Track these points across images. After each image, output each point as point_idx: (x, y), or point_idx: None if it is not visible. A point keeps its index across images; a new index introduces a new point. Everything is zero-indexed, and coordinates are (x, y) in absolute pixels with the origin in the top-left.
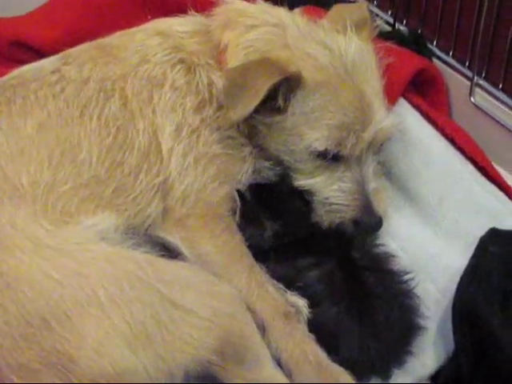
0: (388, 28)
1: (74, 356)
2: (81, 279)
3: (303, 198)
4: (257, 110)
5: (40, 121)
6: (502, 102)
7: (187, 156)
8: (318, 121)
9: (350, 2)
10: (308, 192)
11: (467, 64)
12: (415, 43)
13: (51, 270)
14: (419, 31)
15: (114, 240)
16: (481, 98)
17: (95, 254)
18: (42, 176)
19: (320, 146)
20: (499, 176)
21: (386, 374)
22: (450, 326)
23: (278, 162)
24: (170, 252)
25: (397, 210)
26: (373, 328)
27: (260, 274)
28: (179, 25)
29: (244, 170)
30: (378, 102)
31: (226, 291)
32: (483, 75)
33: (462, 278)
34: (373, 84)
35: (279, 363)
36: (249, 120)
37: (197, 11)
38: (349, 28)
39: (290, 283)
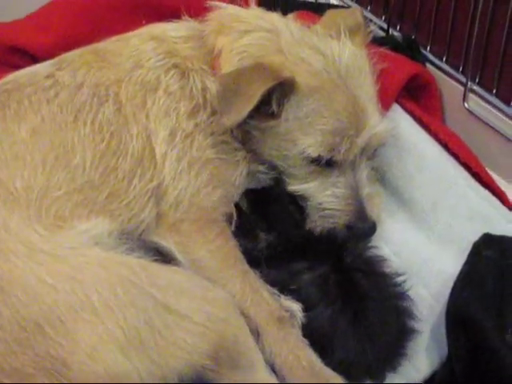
0: (382, 33)
1: (67, 361)
2: (74, 284)
3: (298, 204)
4: (251, 116)
5: (34, 126)
6: (496, 108)
7: (181, 161)
8: (312, 126)
9: (344, 7)
10: (302, 197)
11: (461, 69)
12: (409, 49)
13: (45, 275)
14: (413, 37)
15: (108, 245)
16: (474, 103)
17: (89, 258)
18: (36, 181)
19: (313, 153)
20: (493, 181)
21: (380, 377)
22: (443, 330)
23: (272, 167)
24: (163, 257)
25: (390, 215)
26: (368, 330)
27: (254, 279)
28: (173, 30)
29: (238, 174)
30: (371, 107)
31: (219, 296)
32: (477, 81)
33: (455, 283)
34: (366, 89)
35: (273, 368)
36: (243, 125)
37: (191, 16)
38: (342, 33)
39: (283, 287)
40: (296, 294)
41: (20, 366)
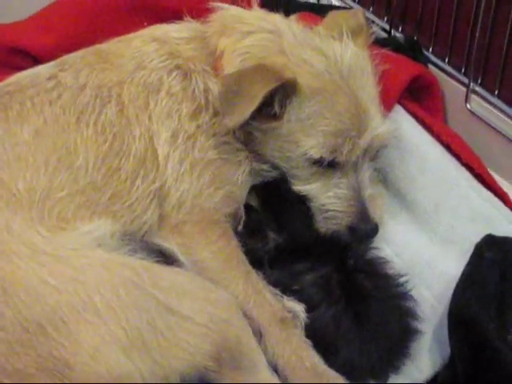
0: (384, 35)
1: (69, 362)
2: (77, 285)
3: (305, 204)
4: (253, 117)
5: (36, 127)
6: (498, 109)
7: (183, 162)
8: (314, 127)
9: (346, 8)
10: (305, 198)
11: (463, 70)
12: (411, 50)
13: (47, 276)
14: (415, 38)
15: (111, 246)
16: (477, 104)
17: (91, 260)
18: (39, 182)
19: (315, 154)
20: (495, 182)
21: (383, 377)
22: (445, 332)
23: (275, 168)
24: (166, 258)
25: (392, 217)
26: (370, 330)
27: (256, 279)
28: (175, 31)
29: (240, 175)
30: (373, 108)
31: (222, 297)
32: (479, 82)
33: (457, 285)
34: (369, 90)
35: (276, 369)
36: (245, 126)
37: (193, 18)
38: (345, 34)
39: (286, 287)
40: (298, 295)
41: (22, 366)
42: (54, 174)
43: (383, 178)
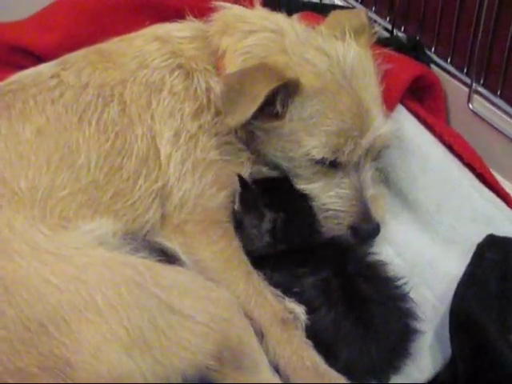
0: (386, 34)
1: (71, 360)
2: (79, 284)
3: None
4: (255, 116)
5: (39, 126)
6: (501, 109)
7: (185, 162)
8: (316, 127)
9: (349, 8)
10: (308, 197)
11: (465, 70)
12: (413, 50)
13: (49, 275)
14: (417, 38)
15: (112, 245)
16: (479, 104)
17: (93, 259)
18: (41, 181)
19: (318, 154)
20: (497, 183)
21: (384, 377)
22: (446, 332)
23: (276, 167)
24: (168, 257)
25: (394, 217)
26: (371, 331)
27: (258, 280)
28: (177, 30)
29: (242, 174)
30: (376, 108)
31: (223, 297)
32: (481, 82)
33: (459, 285)
34: (371, 90)
35: (277, 369)
36: (247, 126)
37: (195, 17)
38: (347, 34)
39: (286, 289)
40: (299, 297)
41: (24, 365)
42: (56, 172)
43: (385, 178)
